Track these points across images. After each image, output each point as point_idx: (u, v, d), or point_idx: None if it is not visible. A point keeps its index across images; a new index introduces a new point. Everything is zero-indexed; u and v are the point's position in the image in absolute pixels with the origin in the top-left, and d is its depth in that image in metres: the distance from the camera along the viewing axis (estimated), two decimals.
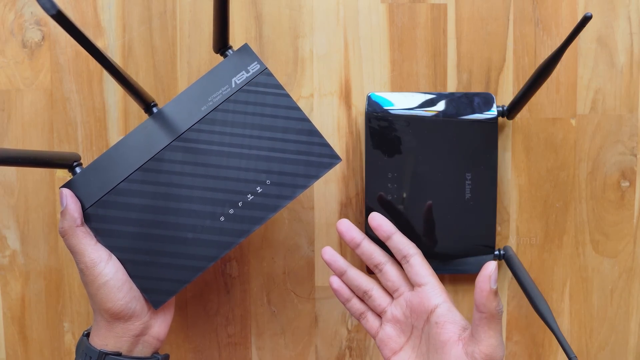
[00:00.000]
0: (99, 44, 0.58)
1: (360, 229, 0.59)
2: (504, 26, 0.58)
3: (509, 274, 0.59)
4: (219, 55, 0.52)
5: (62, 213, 0.48)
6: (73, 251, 0.48)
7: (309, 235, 0.59)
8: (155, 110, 0.50)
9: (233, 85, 0.49)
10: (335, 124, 0.59)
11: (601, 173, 0.59)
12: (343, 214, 0.59)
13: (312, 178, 0.49)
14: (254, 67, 0.50)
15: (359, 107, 0.58)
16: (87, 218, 0.49)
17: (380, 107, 0.56)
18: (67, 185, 0.49)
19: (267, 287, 0.60)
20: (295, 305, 0.60)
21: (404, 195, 0.56)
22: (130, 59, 0.58)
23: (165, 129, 0.49)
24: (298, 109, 0.49)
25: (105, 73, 0.58)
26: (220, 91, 0.49)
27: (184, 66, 0.58)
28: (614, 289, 0.60)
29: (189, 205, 0.49)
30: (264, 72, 0.50)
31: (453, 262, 0.57)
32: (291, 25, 0.58)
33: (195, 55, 0.58)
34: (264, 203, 0.49)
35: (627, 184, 0.59)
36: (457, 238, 0.57)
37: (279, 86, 0.50)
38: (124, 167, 0.49)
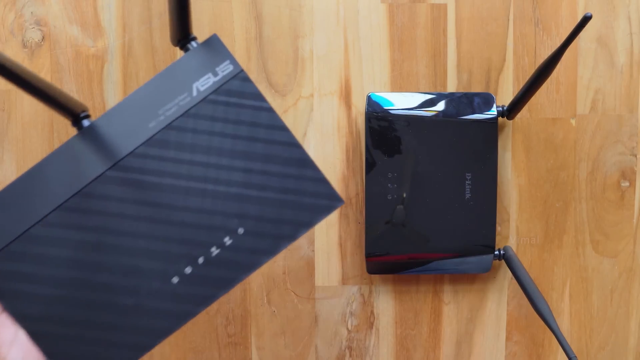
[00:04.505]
0: (99, 44, 0.58)
1: (360, 229, 0.59)
2: (504, 26, 0.58)
3: (509, 274, 0.59)
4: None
5: None
6: None
7: (309, 235, 0.59)
8: (86, 123, 0.37)
9: (194, 94, 0.37)
10: (335, 124, 0.59)
11: (601, 173, 0.59)
12: (343, 214, 0.59)
13: (303, 227, 0.36)
14: (224, 69, 0.37)
15: (359, 107, 0.58)
16: None
17: (380, 107, 0.56)
18: None
19: (267, 287, 0.60)
20: (295, 305, 0.60)
21: (404, 195, 0.56)
22: (130, 59, 0.58)
23: (98, 152, 0.36)
24: (285, 129, 0.36)
25: (105, 73, 0.58)
26: (177, 101, 0.37)
27: None
28: (614, 289, 0.60)
29: (130, 260, 0.36)
30: (239, 75, 0.37)
31: (453, 262, 0.57)
32: (291, 25, 0.58)
33: None
34: (234, 260, 0.36)
35: (627, 184, 0.59)
36: (457, 238, 0.57)
37: (259, 96, 0.36)
38: (40, 204, 0.36)
